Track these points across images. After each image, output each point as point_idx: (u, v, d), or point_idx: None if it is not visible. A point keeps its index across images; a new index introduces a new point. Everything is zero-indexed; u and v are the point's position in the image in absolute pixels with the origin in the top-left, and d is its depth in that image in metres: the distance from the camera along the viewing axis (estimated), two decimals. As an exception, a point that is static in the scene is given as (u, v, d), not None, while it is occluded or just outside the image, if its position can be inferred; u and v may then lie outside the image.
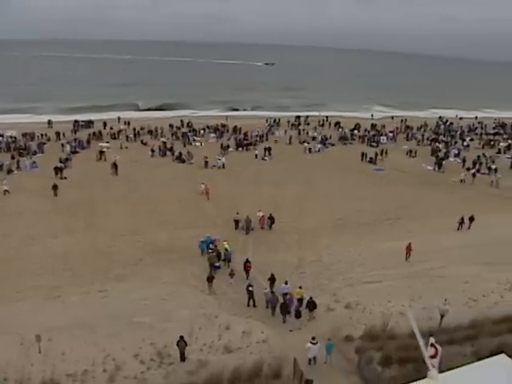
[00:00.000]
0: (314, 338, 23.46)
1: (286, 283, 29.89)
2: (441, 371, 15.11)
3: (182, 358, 23.45)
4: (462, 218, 44.09)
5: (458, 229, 43.95)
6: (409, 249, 37.03)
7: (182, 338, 23.50)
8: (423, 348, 12.34)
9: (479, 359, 23.90)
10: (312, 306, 27.35)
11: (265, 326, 26.74)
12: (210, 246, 35.78)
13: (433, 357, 19.16)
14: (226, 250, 35.05)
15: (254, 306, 29.32)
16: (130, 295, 29.87)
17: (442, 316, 20.37)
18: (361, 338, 25.43)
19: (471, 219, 44.26)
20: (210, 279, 31.24)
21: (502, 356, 14.58)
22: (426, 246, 39.02)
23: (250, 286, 29.36)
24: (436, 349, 19.07)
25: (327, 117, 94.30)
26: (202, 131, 76.84)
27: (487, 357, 23.91)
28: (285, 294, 29.10)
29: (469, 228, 44.17)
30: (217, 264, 33.83)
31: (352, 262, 35.87)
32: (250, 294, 29.14)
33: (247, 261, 33.17)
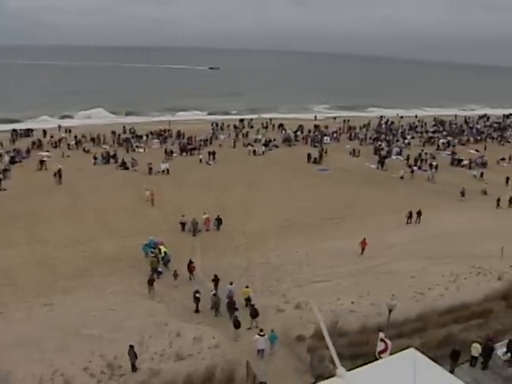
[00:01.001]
0: (261, 330, 24.39)
1: (231, 283, 29.91)
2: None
3: (134, 368, 23.00)
4: (411, 213, 45.66)
5: (408, 223, 45.45)
6: (364, 244, 38.02)
7: (131, 347, 23.06)
8: (330, 344, 12.42)
9: (427, 350, 24.59)
10: (254, 313, 26.92)
11: (216, 331, 26.53)
12: (152, 250, 35.41)
13: (383, 351, 19.56)
14: (165, 253, 34.89)
15: (197, 311, 28.96)
16: (77, 307, 29.03)
17: (390, 311, 20.82)
18: (312, 337, 25.52)
19: (419, 214, 45.87)
20: (150, 282, 31.00)
21: (411, 350, 14.96)
22: (372, 243, 39.60)
23: (197, 292, 29.07)
24: (386, 343, 19.48)
25: (271, 119, 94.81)
26: (145, 137, 75.80)
27: (434, 347, 24.67)
28: (231, 296, 29.14)
29: (418, 222, 45.73)
30: (159, 269, 33.46)
31: (300, 263, 36.06)
32: (197, 301, 28.90)
33: (191, 261, 33.21)
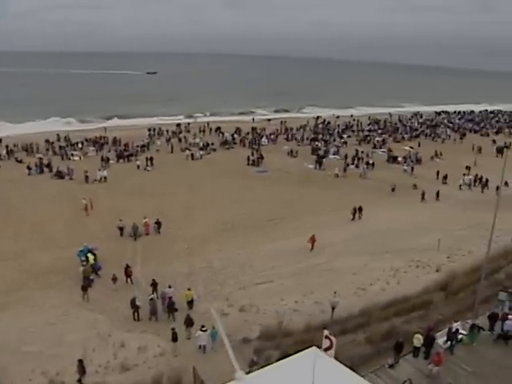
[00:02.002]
0: (203, 326, 24.88)
1: (170, 287, 29.66)
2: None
3: (80, 382, 22.23)
4: (355, 209, 46.82)
5: (353, 219, 46.65)
6: (313, 240, 38.58)
7: (80, 361, 22.41)
8: (229, 348, 12.30)
9: (372, 344, 24.99)
10: (189, 322, 26.40)
11: (161, 339, 26.05)
12: (83, 258, 34.61)
13: (328, 348, 19.59)
14: (94, 260, 34.23)
15: (138, 319, 28.44)
16: (15, 324, 27.75)
17: (333, 308, 21.02)
18: (258, 339, 25.51)
19: (360, 210, 47.05)
20: (84, 288, 30.50)
21: (313, 349, 15.07)
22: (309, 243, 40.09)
23: (134, 299, 28.46)
24: (331, 340, 19.52)
25: (208, 123, 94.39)
26: (80, 144, 73.86)
27: (378, 340, 25.05)
28: (169, 298, 28.95)
29: (359, 218, 46.86)
30: (91, 277, 32.64)
31: (242, 265, 35.95)
32: (135, 308, 28.30)
33: (127, 266, 32.78)
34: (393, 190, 56.34)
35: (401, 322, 27.16)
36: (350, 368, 14.36)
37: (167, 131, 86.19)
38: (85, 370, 22.47)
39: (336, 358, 19.78)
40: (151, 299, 28.52)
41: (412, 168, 68.03)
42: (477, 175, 63.64)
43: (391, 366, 23.00)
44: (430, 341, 24.01)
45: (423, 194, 54.42)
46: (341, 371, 14.46)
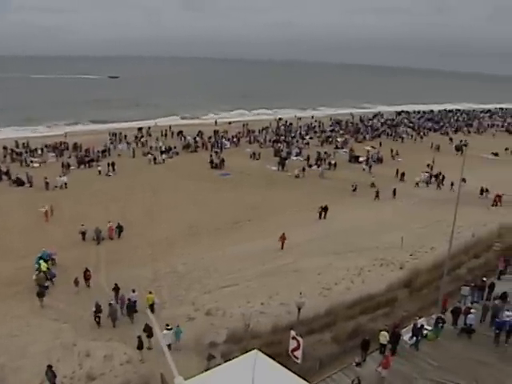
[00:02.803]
0: (168, 325, 25.40)
1: (134, 291, 29.39)
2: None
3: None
4: (322, 208, 47.43)
5: (320, 218, 47.29)
6: (283, 239, 39.13)
7: (49, 367, 22.05)
8: (167, 353, 12.25)
9: (338, 343, 25.12)
10: (149, 331, 25.88)
11: (127, 347, 25.62)
12: (36, 267, 33.80)
13: (295, 349, 19.65)
14: (48, 269, 33.59)
15: (99, 325, 28.02)
16: (-25, 337, 27.10)
17: (299, 309, 21.06)
18: (225, 343, 25.38)
19: (325, 209, 47.55)
20: (40, 295, 30.06)
21: (254, 352, 15.19)
22: (278, 243, 40.12)
23: (97, 304, 28.00)
24: (298, 341, 19.57)
25: (170, 126, 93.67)
26: (40, 151, 72.34)
27: (345, 339, 25.21)
28: (134, 302, 28.86)
29: (324, 218, 47.29)
30: (46, 284, 31.99)
31: (207, 269, 35.70)
32: (97, 314, 27.85)
33: (87, 270, 32.53)
34: (354, 189, 56.91)
35: (366, 320, 27.37)
36: (295, 372, 14.42)
37: (125, 136, 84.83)
38: (55, 374, 22.14)
39: (303, 358, 19.97)
40: (110, 304, 28.12)
41: (370, 167, 69.67)
42: (432, 172, 65.79)
43: (358, 364, 23.13)
44: (395, 337, 24.27)
45: (377, 193, 55.62)
46: (281, 373, 14.56)
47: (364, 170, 68.94)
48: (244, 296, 31.14)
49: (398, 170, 65.81)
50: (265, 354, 23.20)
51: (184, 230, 43.75)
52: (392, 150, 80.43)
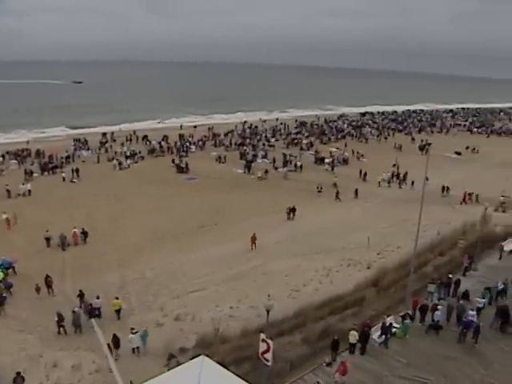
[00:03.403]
0: (133, 329, 25.40)
1: (98, 298, 29.13)
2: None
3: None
4: (290, 209, 47.91)
5: (288, 219, 47.76)
6: (254, 239, 39.46)
7: (18, 374, 21.77)
8: (112, 364, 12.19)
9: (308, 344, 25.14)
10: (116, 342, 25.22)
11: (95, 355, 25.19)
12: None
13: (265, 351, 19.55)
14: (4, 278, 32.91)
15: (65, 333, 27.54)
16: None
17: (268, 311, 20.98)
18: (194, 348, 25.14)
19: (293, 210, 48.05)
20: None
21: (201, 358, 15.25)
22: (246, 246, 40.07)
23: (59, 314, 27.45)
24: (267, 343, 19.48)
25: (134, 131, 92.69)
26: (0, 158, 70.74)
27: (315, 340, 25.25)
28: (98, 308, 28.67)
29: (292, 219, 47.83)
30: (4, 295, 31.16)
31: (175, 274, 35.42)
32: (60, 323, 27.35)
33: (47, 276, 32.02)
34: (320, 190, 57.32)
35: (336, 321, 27.49)
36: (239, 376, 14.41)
37: (86, 142, 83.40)
38: (24, 379, 21.85)
39: (274, 360, 19.90)
40: (73, 311, 27.68)
41: (333, 167, 70.83)
42: (397, 172, 67.01)
43: (329, 364, 23.22)
44: (365, 337, 24.46)
45: (337, 193, 56.32)
46: (228, 378, 14.57)
47: (327, 170, 70.05)
48: (213, 300, 30.99)
49: (361, 171, 66.80)
50: (235, 357, 23.31)
51: (151, 235, 43.31)
52: (354, 151, 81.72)
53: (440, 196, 56.93)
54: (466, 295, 28.95)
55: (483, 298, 29.06)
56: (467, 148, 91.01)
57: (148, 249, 40.33)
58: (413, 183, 61.49)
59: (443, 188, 58.95)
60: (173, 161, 70.51)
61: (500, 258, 37.95)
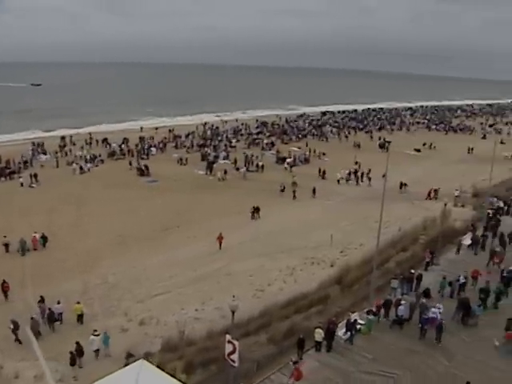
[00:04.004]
0: (95, 331, 25.19)
1: (59, 303, 28.62)
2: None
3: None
4: (254, 208, 48.23)
5: (252, 218, 48.12)
6: (220, 238, 39.65)
7: None
8: (46, 369, 12.06)
9: (275, 343, 25.18)
10: (79, 350, 24.51)
11: (59, 364, 24.57)
12: None
13: (232, 352, 19.48)
14: None
15: (20, 342, 26.78)
16: None
17: (233, 312, 20.93)
18: (160, 352, 24.90)
19: (257, 210, 48.43)
20: None
21: (140, 362, 15.30)
22: (209, 247, 39.94)
23: (14, 322, 26.72)
24: (233, 344, 19.41)
25: (92, 134, 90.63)
26: (-49, 166, 68.56)
27: (281, 339, 25.29)
28: (59, 314, 28.21)
29: (255, 219, 48.18)
30: None
31: (138, 278, 35.01)
32: (14, 331, 26.72)
33: (4, 281, 31.46)
34: (282, 190, 57.65)
35: (301, 319, 27.64)
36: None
37: (42, 145, 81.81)
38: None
39: (240, 360, 19.84)
40: (32, 318, 27.03)
41: (291, 166, 71.38)
42: (357, 169, 67.94)
43: (295, 363, 23.25)
44: (330, 334, 24.65)
45: (294, 192, 56.69)
46: (165, 381, 14.56)
47: (286, 169, 70.68)
48: (177, 303, 30.76)
49: (320, 169, 67.58)
50: (202, 360, 23.19)
51: (113, 239, 42.71)
52: (313, 150, 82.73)
53: (398, 193, 57.72)
54: (426, 293, 29.30)
55: (443, 289, 30.75)
56: (424, 144, 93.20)
57: (110, 253, 39.74)
58: (370, 180, 62.64)
59: (401, 184, 59.88)
60: (130, 163, 69.78)
61: (458, 253, 38.75)
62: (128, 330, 27.79)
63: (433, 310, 26.53)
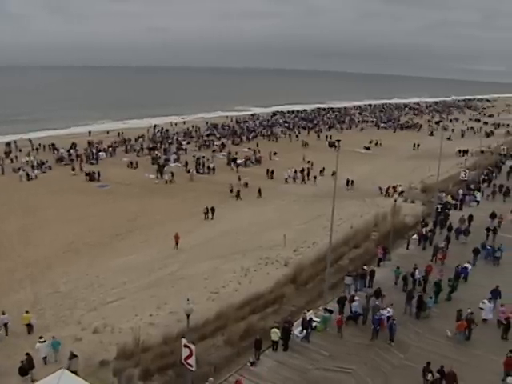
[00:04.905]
0: (41, 337, 24.61)
1: (4, 313, 27.74)
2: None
3: None
4: (207, 209, 48.30)
5: (205, 219, 48.21)
6: (177, 237, 39.85)
7: None
8: None
9: (231, 345, 25.14)
10: (29, 361, 23.52)
11: (10, 377, 23.74)
12: None
13: (189, 357, 19.37)
14: None
15: None
16: None
17: (188, 315, 20.78)
18: (116, 359, 24.51)
19: (212, 210, 48.48)
20: None
21: (60, 371, 15.36)
22: (163, 252, 39.58)
23: None
24: (190, 348, 19.30)
25: (32, 140, 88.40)
26: None
27: (238, 341, 25.27)
28: (5, 324, 27.49)
29: (210, 219, 48.10)
30: None
31: (91, 285, 34.31)
32: None
33: None
34: (231, 190, 57.71)
35: (257, 320, 27.75)
36: None
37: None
38: None
39: (198, 364, 19.76)
40: None
41: (237, 166, 72.11)
42: (296, 168, 68.51)
43: (253, 364, 23.30)
44: (286, 333, 24.75)
45: (238, 192, 56.89)
46: None
47: (232, 169, 71.33)
48: (132, 309, 30.31)
49: (268, 169, 68.26)
50: (159, 366, 22.96)
51: (64, 247, 41.72)
52: (266, 151, 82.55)
53: (345, 190, 58.66)
54: (377, 293, 29.43)
55: (398, 278, 32.16)
56: (370, 142, 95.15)
57: (62, 261, 38.79)
58: (315, 178, 63.68)
59: (347, 182, 60.89)
60: (73, 169, 68.29)
61: (408, 248, 39.63)
62: (82, 339, 27.13)
63: (382, 312, 26.76)
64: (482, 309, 28.27)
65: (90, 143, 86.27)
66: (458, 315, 26.83)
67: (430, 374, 21.82)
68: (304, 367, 23.47)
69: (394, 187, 58.42)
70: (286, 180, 65.57)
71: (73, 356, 22.73)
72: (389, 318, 26.30)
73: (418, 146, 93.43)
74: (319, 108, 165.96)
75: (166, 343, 25.34)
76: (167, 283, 34.26)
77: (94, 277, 35.62)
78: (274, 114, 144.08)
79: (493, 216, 45.55)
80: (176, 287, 33.38)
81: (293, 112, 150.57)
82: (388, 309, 26.99)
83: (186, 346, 19.33)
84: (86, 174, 65.02)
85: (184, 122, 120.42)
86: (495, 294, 29.45)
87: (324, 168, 66.37)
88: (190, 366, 19.38)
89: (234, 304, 29.50)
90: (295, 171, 67.40)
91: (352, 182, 61.61)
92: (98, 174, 65.10)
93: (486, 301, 28.49)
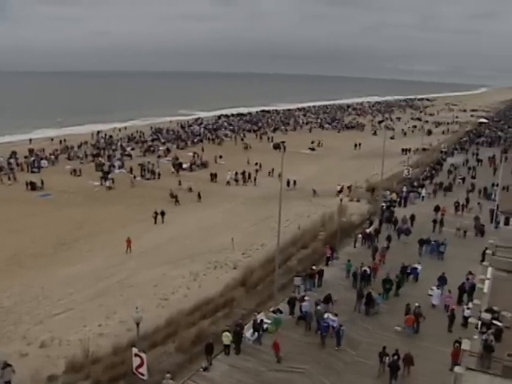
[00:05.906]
0: None
1: None
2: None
3: None
4: (156, 213, 48.19)
5: (155, 223, 48.00)
6: (129, 242, 40.50)
7: None
8: None
9: (183, 352, 24.94)
10: None
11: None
12: None
13: (140, 366, 19.14)
14: None
15: None
16: None
17: (138, 324, 20.49)
18: (65, 373, 23.91)
19: (162, 214, 48.43)
20: None
21: None
22: (110, 260, 38.94)
23: None
24: (141, 357, 19.06)
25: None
26: None
27: (189, 347, 25.08)
28: None
29: (160, 223, 47.96)
30: None
31: (36, 298, 33.23)
32: None
33: None
34: (171, 196, 57.18)
35: (208, 324, 27.70)
36: None
37: None
38: None
39: (149, 373, 19.54)
40: None
41: (177, 170, 72.14)
42: (237, 171, 68.83)
43: (206, 369, 23.20)
44: (238, 336, 24.74)
45: (176, 197, 56.59)
46: None
47: (173, 173, 71.17)
48: (80, 320, 29.62)
49: (211, 173, 68.75)
50: (109, 377, 22.55)
51: (6, 259, 40.15)
52: (211, 154, 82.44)
53: (286, 190, 59.00)
54: (327, 299, 29.20)
55: (349, 271, 33.40)
56: (313, 142, 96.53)
57: (4, 274, 37.29)
58: (255, 180, 64.17)
59: (288, 182, 61.30)
60: (9, 178, 65.95)
61: (355, 246, 40.35)
62: (28, 355, 26.22)
63: (331, 317, 26.47)
64: (430, 295, 30.26)
65: (30, 151, 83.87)
66: (407, 310, 27.65)
67: (387, 357, 22.63)
68: (257, 369, 23.52)
69: (348, 187, 59.34)
70: (228, 182, 65.91)
71: (6, 365, 21.93)
72: (334, 327, 26.12)
73: (360, 145, 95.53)
74: (263, 110, 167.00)
75: (117, 353, 24.90)
76: (116, 292, 33.67)
77: (39, 289, 34.57)
78: (219, 117, 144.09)
79: (437, 209, 48.08)
80: (125, 295, 32.86)
81: (237, 115, 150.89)
82: (335, 318, 26.41)
83: (136, 355, 19.10)
84: (28, 184, 63.11)
85: (125, 128, 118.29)
86: (442, 280, 31.31)
87: (273, 169, 66.74)
88: (142, 374, 19.16)
89: (184, 310, 29.33)
90: (236, 173, 67.74)
91: (294, 182, 62.25)
92: (42, 182, 63.34)
93: (434, 287, 30.53)
